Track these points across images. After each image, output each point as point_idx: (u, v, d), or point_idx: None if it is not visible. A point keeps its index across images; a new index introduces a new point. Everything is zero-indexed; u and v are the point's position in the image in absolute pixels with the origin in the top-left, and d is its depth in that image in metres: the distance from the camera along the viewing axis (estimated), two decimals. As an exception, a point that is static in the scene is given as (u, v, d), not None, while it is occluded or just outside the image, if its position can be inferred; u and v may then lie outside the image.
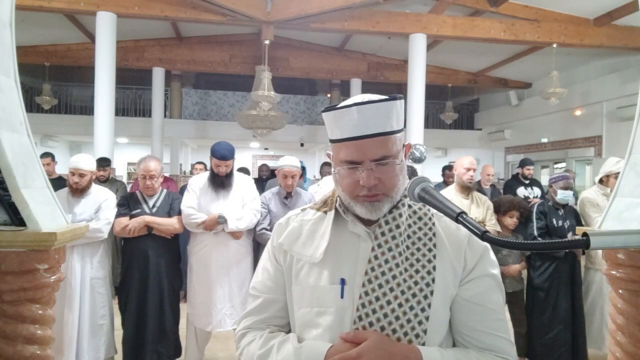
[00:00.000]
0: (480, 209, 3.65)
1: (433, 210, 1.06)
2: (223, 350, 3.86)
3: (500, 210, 3.71)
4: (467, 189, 3.66)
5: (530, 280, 3.67)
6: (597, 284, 3.71)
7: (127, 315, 3.18)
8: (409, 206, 1.06)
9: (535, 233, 3.60)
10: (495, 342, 1.00)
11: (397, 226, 1.02)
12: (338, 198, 1.08)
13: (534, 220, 3.63)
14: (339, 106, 0.99)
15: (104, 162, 5.27)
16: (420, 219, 1.05)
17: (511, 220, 3.68)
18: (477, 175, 3.94)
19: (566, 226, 3.61)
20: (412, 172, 4.11)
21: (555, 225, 3.60)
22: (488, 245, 1.04)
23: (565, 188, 3.63)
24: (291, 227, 1.11)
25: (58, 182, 4.32)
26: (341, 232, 1.05)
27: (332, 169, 1.05)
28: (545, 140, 10.85)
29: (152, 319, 3.16)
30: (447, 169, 6.54)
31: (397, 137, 1.00)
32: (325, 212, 1.09)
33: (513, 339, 1.03)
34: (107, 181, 5.21)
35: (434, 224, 1.04)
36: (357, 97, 1.01)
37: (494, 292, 1.02)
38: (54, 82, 12.10)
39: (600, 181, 3.82)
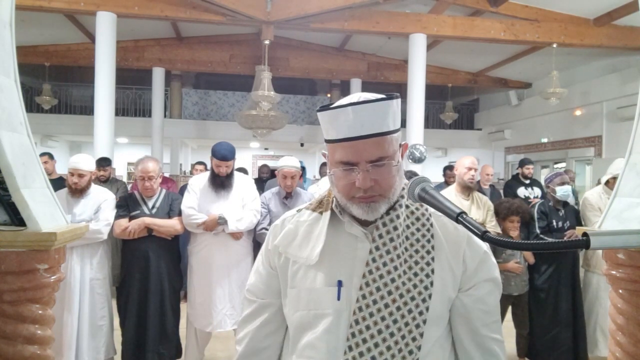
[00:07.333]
0: (480, 211, 3.63)
1: (431, 210, 1.04)
2: (223, 350, 3.85)
3: (499, 215, 3.69)
4: (468, 189, 3.64)
5: (531, 281, 3.65)
6: (594, 287, 3.69)
7: (128, 316, 3.17)
8: (407, 206, 1.04)
9: (538, 231, 3.56)
10: (492, 345, 1.02)
11: (395, 228, 1.00)
12: (334, 198, 1.05)
13: (536, 219, 3.60)
14: (334, 106, 0.96)
15: (104, 162, 5.26)
16: (417, 219, 1.03)
17: (512, 225, 3.62)
18: (477, 175, 3.93)
19: (566, 227, 3.59)
20: (411, 173, 4.10)
21: (556, 226, 3.58)
22: (488, 248, 1.03)
23: (562, 184, 3.60)
24: (287, 229, 1.09)
25: (58, 183, 4.32)
26: (337, 233, 1.03)
27: (328, 170, 1.03)
28: (545, 140, 10.84)
29: (153, 320, 3.15)
30: (449, 169, 6.53)
31: (394, 137, 0.97)
32: (321, 213, 1.07)
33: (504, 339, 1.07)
34: (108, 181, 5.20)
35: (431, 224, 1.03)
36: (353, 96, 0.99)
37: (493, 294, 1.04)
38: (54, 82, 12.09)
39: (607, 182, 3.72)
